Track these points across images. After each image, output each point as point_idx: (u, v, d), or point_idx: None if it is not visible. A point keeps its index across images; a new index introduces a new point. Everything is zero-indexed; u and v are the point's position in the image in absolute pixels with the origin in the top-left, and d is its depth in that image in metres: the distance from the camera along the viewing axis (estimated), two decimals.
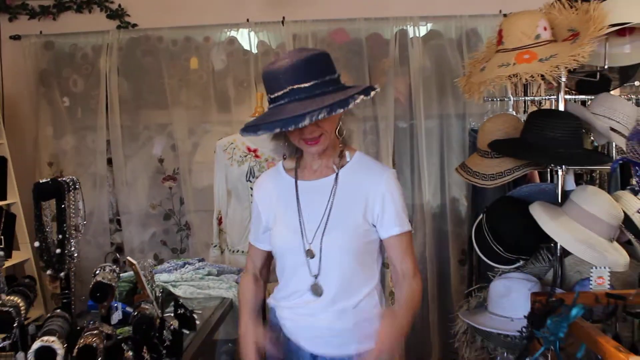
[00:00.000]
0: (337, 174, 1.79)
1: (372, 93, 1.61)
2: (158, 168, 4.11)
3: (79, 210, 1.88)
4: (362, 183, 1.78)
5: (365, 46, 3.92)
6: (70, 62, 4.12)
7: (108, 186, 4.11)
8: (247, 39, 4.01)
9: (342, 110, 1.56)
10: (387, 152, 3.91)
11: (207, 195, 3.97)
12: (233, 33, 4.03)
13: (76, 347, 1.48)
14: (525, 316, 1.97)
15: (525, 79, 2.06)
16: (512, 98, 3.09)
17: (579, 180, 3.05)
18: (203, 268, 2.65)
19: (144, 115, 4.14)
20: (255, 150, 2.94)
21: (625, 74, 2.66)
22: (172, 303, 2.11)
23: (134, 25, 4.11)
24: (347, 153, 1.82)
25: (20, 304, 1.51)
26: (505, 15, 3.34)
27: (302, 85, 1.59)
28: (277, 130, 1.57)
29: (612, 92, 2.88)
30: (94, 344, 1.48)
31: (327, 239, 1.73)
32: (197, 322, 2.11)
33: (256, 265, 1.95)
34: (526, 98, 3.11)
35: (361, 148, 3.66)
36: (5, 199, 3.81)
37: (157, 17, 4.06)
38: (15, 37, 4.17)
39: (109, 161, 4.10)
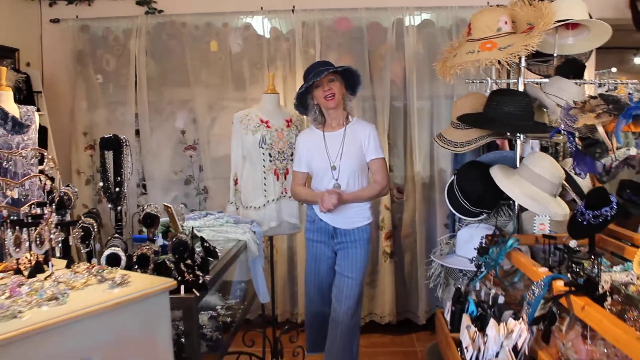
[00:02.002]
0: (345, 128, 3.18)
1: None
2: (180, 139, 4.62)
3: (128, 162, 2.40)
4: (358, 131, 3.17)
5: (366, 33, 4.39)
6: (103, 43, 4.61)
7: (135, 154, 4.61)
8: (260, 25, 4.49)
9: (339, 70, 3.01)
10: (384, 128, 4.38)
11: (223, 163, 4.50)
12: (248, 20, 4.51)
13: (134, 254, 2.02)
14: (475, 248, 2.49)
15: (486, 63, 2.56)
16: (489, 80, 3.58)
17: (545, 152, 3.54)
18: (222, 217, 3.17)
19: (168, 92, 4.62)
20: (267, 122, 3.41)
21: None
22: (199, 239, 2.63)
23: (160, 11, 4.58)
24: (350, 117, 3.22)
25: (94, 224, 2.04)
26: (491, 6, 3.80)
27: (322, 68, 2.99)
28: (312, 81, 3.01)
29: (587, 77, 3.39)
30: (148, 253, 2.02)
31: (343, 159, 3.10)
32: (219, 253, 2.62)
33: (300, 183, 3.26)
34: (500, 80, 3.60)
35: None
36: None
37: (181, 5, 4.54)
38: (55, 21, 4.66)
39: (137, 132, 4.58)
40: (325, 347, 3.23)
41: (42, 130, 4.31)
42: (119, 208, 2.26)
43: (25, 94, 4.36)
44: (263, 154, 3.39)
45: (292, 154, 3.42)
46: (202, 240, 2.63)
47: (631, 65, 8.03)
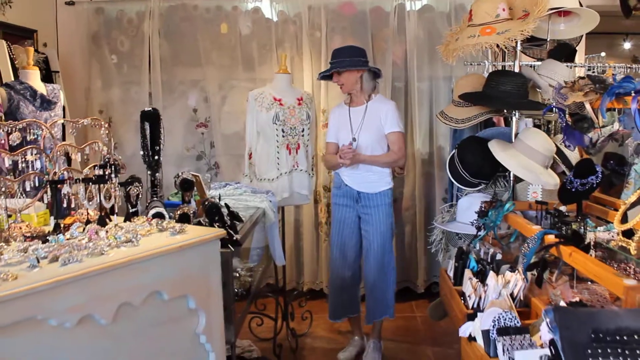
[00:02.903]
0: (367, 105, 3.54)
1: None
2: (192, 116, 4.85)
3: (162, 133, 2.65)
4: (379, 107, 3.54)
5: (369, 17, 4.63)
6: (117, 25, 4.80)
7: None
8: (269, 8, 4.72)
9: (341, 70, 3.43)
10: None
11: (233, 140, 4.76)
12: (257, 3, 4.72)
13: (176, 214, 2.28)
14: (475, 212, 2.77)
15: (485, 47, 2.82)
16: (487, 63, 3.84)
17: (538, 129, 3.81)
18: (240, 188, 3.43)
19: (181, 72, 4.84)
20: (280, 100, 3.67)
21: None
22: (225, 206, 2.89)
23: None
24: (372, 95, 3.56)
25: (140, 186, 2.29)
26: None
27: (334, 61, 3.44)
28: (324, 74, 3.58)
29: (578, 61, 3.67)
30: (189, 213, 2.29)
31: (362, 131, 3.49)
32: (243, 218, 2.89)
33: (331, 152, 3.64)
34: (497, 63, 3.86)
35: None
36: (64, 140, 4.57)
37: None
38: (70, 3, 4.84)
39: None
40: (346, 314, 3.72)
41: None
42: (156, 175, 2.52)
43: (44, 74, 4.57)
44: (276, 129, 3.65)
45: (302, 130, 3.69)
46: (227, 206, 2.90)
47: (620, 50, 8.32)
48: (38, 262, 1.43)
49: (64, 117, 4.59)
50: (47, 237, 1.63)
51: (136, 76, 4.82)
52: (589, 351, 1.28)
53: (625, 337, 1.31)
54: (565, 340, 1.31)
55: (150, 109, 2.51)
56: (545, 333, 1.47)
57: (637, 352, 1.28)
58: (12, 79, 3.91)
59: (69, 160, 4.53)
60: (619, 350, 1.28)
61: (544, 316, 1.41)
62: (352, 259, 3.63)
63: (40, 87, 3.72)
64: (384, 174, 3.54)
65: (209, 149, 4.88)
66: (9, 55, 4.26)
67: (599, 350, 1.28)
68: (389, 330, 4.13)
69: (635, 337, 1.31)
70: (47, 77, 4.59)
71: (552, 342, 1.40)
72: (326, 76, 3.61)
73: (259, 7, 4.73)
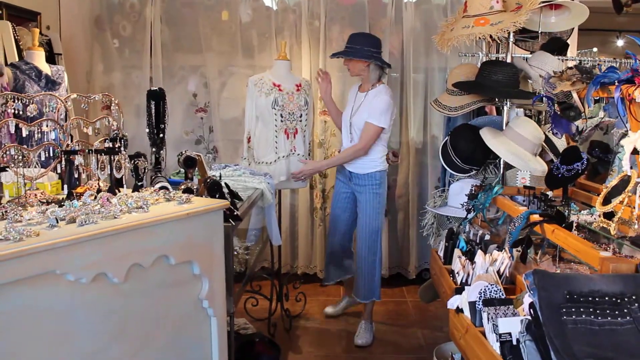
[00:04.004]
0: (368, 91, 3.72)
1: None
2: (192, 101, 4.94)
3: (167, 112, 2.75)
4: (374, 97, 3.68)
5: (367, 8, 4.72)
6: (120, 10, 4.87)
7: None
8: None
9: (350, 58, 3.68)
10: None
11: (232, 125, 4.85)
12: None
13: (180, 188, 2.39)
14: (466, 194, 2.89)
15: (479, 37, 2.93)
16: (480, 54, 3.95)
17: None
18: (239, 169, 3.53)
19: (181, 57, 4.91)
20: (279, 85, 3.77)
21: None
22: (225, 185, 2.99)
23: None
24: (377, 85, 3.74)
25: (145, 161, 2.40)
26: None
27: (348, 45, 3.67)
28: (334, 57, 3.80)
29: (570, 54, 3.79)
30: (192, 188, 2.40)
31: (355, 117, 3.74)
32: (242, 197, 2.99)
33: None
34: (490, 54, 3.97)
35: None
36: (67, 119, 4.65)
37: None
38: None
39: None
40: (332, 278, 4.12)
41: None
42: (161, 152, 2.62)
43: (47, 56, 4.65)
44: (275, 114, 3.75)
45: (300, 116, 3.80)
46: (227, 185, 3.00)
47: (613, 47, 8.43)
48: (57, 222, 1.53)
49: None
50: (63, 203, 1.73)
51: (137, 61, 4.90)
52: (564, 310, 1.40)
53: (597, 299, 1.43)
54: (543, 301, 1.43)
55: (157, 88, 2.60)
56: (526, 299, 1.59)
57: (607, 311, 1.40)
58: (17, 59, 3.99)
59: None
60: (591, 310, 1.41)
61: (525, 279, 1.53)
62: (342, 232, 3.98)
63: (45, 68, 3.81)
64: (373, 157, 3.77)
65: (207, 133, 4.97)
66: (14, 37, 4.34)
67: (573, 309, 1.41)
68: (380, 314, 4.26)
69: (606, 298, 1.43)
70: (50, 59, 4.66)
71: (531, 305, 1.52)
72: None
73: None
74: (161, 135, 2.59)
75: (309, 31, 4.73)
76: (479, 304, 1.97)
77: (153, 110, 2.60)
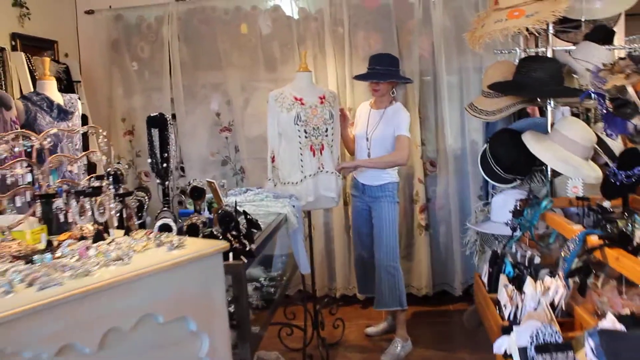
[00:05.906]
0: (385, 110, 3.73)
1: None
2: (215, 121, 4.75)
3: (172, 139, 2.52)
4: (395, 115, 3.71)
5: (393, 9, 4.43)
6: (137, 31, 4.76)
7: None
8: (289, 6, 4.58)
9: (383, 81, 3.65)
10: (414, 102, 4.43)
11: (258, 143, 4.61)
12: (277, 2, 4.60)
13: (185, 224, 2.14)
14: (510, 211, 2.55)
15: (514, 31, 2.60)
16: (518, 50, 3.60)
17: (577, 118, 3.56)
18: (262, 193, 3.28)
19: (202, 75, 4.75)
20: (300, 99, 3.50)
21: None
22: (242, 213, 2.74)
23: None
24: (394, 102, 3.76)
25: (145, 197, 2.17)
26: None
27: (375, 67, 3.66)
28: (361, 80, 3.84)
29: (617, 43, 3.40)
30: (197, 223, 2.14)
31: (375, 133, 3.72)
32: (263, 225, 2.73)
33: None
34: (528, 49, 3.61)
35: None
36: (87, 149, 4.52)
37: None
38: (89, 12, 4.83)
39: (173, 116, 4.67)
40: (367, 291, 4.05)
41: (83, 118, 4.49)
42: (166, 183, 2.38)
43: (65, 84, 4.54)
44: (299, 130, 3.48)
45: (326, 130, 3.52)
46: (245, 213, 2.75)
47: None
48: (12, 287, 1.29)
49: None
50: (33, 258, 1.50)
51: (157, 82, 4.77)
52: None
53: None
54: None
55: (157, 114, 2.37)
56: (590, 357, 1.27)
57: None
58: (32, 90, 3.87)
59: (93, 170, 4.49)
60: None
61: (587, 340, 1.21)
62: (368, 245, 3.90)
63: (57, 97, 3.66)
64: (385, 170, 3.77)
65: (233, 153, 4.77)
66: (28, 67, 4.23)
67: None
68: (423, 335, 3.98)
69: None
70: (69, 87, 4.55)
71: None
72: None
73: (279, 5, 4.60)
74: (165, 165, 2.35)
75: (332, 39, 4.48)
76: (531, 351, 1.64)
77: (156, 138, 2.36)
